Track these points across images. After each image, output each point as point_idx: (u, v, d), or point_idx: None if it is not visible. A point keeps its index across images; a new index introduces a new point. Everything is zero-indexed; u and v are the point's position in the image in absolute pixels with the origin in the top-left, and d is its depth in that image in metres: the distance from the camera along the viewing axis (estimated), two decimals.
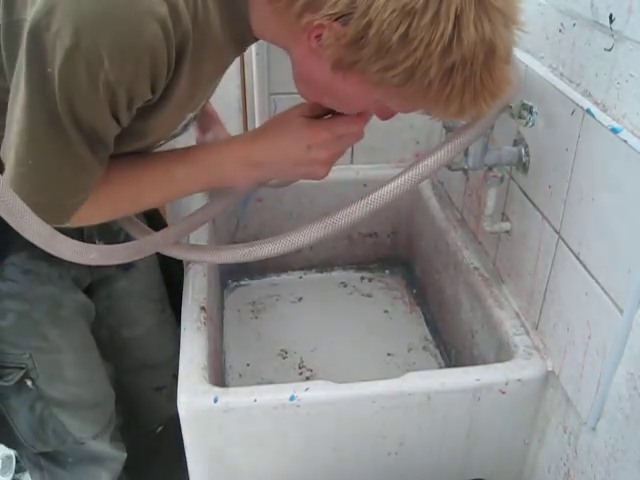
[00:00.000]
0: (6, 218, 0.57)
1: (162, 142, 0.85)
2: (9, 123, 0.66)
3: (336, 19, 0.60)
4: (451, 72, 0.61)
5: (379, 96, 0.69)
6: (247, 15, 0.69)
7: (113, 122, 0.66)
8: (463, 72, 0.62)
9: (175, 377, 1.20)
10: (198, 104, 0.80)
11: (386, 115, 0.76)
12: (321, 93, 0.74)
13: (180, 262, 1.24)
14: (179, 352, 1.22)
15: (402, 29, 0.58)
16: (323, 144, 0.78)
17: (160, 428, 1.24)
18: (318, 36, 0.63)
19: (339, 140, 0.79)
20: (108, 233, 0.99)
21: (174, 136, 0.85)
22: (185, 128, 0.85)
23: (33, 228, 0.60)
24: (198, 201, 1.25)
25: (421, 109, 0.69)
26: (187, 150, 0.83)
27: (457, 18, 0.58)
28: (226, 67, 0.80)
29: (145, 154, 0.81)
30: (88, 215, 0.76)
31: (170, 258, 1.14)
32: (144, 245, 0.86)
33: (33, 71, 0.61)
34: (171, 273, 1.20)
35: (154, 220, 1.10)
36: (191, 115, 0.82)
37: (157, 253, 1.14)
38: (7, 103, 0.66)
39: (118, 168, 0.75)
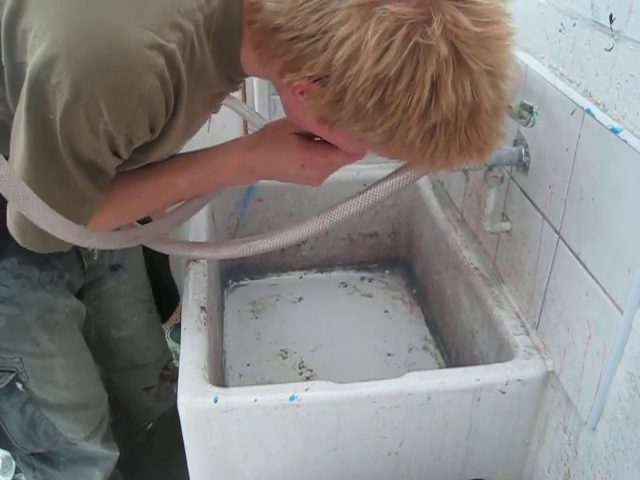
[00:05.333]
0: (13, 201, 0.58)
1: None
2: (11, 161, 0.68)
3: (314, 80, 0.61)
4: (433, 132, 0.60)
5: (366, 149, 0.71)
6: (239, 57, 0.71)
7: (113, 158, 0.68)
8: (446, 131, 0.60)
9: (162, 377, 1.22)
10: (193, 133, 0.83)
11: (382, 155, 0.77)
12: (313, 133, 0.76)
13: (165, 263, 1.24)
14: (165, 352, 1.23)
15: (377, 96, 0.58)
16: (317, 166, 0.81)
17: (150, 425, 1.24)
18: (301, 92, 0.64)
19: (333, 165, 0.82)
20: None
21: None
22: None
23: (38, 212, 0.61)
24: None
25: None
26: (187, 160, 0.85)
27: (434, 84, 0.57)
28: (221, 100, 0.82)
29: (145, 167, 0.82)
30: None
31: (155, 259, 1.14)
32: (142, 232, 0.88)
33: (34, 116, 0.63)
34: (157, 274, 1.20)
35: None
36: (187, 141, 0.84)
37: (144, 253, 1.14)
38: (10, 127, 0.68)
39: (120, 184, 0.77)
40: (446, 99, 0.58)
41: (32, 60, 0.61)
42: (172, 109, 0.67)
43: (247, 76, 0.76)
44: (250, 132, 1.56)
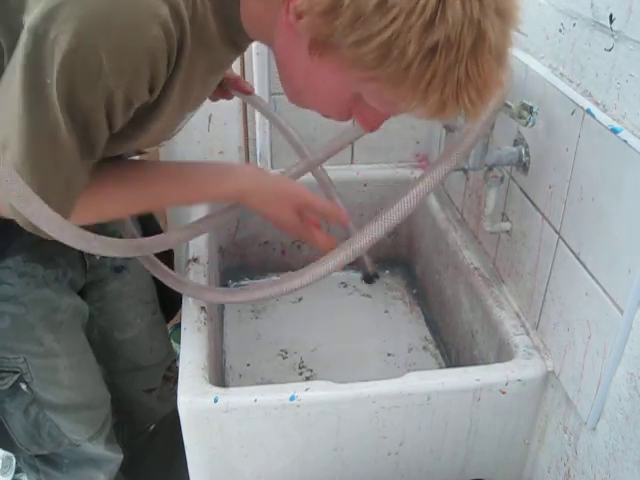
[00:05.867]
0: (14, 203, 0.57)
1: (164, 143, 0.85)
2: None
3: None
4: (433, 55, 0.56)
5: (355, 83, 0.65)
6: (238, 12, 0.69)
7: (105, 124, 0.65)
8: (447, 57, 0.56)
9: (165, 378, 1.21)
10: (196, 104, 0.80)
11: (369, 121, 0.73)
12: (301, 88, 0.72)
13: (170, 264, 1.24)
14: (169, 354, 1.22)
15: None
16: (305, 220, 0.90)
17: (152, 426, 1.24)
18: (295, 8, 0.61)
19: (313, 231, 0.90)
20: (104, 234, 0.99)
21: (178, 131, 0.85)
22: (184, 121, 0.85)
23: (38, 213, 0.60)
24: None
25: (400, 104, 0.63)
26: (184, 178, 0.84)
27: None
28: (222, 68, 0.80)
29: (134, 167, 0.81)
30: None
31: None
32: (145, 242, 0.87)
33: (30, 78, 0.61)
34: None
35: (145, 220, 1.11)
36: (190, 115, 0.82)
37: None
38: None
39: (108, 178, 0.75)
40: (453, 12, 0.54)
41: (31, 16, 0.58)
42: (174, 64, 0.65)
43: (249, 40, 0.74)
44: (251, 129, 1.56)
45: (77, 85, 0.60)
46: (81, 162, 0.68)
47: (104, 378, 1.08)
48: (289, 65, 0.71)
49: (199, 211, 1.30)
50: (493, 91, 0.61)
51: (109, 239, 0.79)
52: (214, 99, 1.08)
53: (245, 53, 1.42)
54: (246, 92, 1.07)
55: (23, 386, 0.93)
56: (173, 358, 1.23)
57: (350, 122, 0.77)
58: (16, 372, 0.91)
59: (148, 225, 1.09)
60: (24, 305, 0.89)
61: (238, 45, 0.75)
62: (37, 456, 1.03)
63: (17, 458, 1.13)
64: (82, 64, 0.59)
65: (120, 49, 0.59)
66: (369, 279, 0.94)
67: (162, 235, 0.90)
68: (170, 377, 1.21)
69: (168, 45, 0.62)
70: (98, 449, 1.03)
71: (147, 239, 0.88)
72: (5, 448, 1.02)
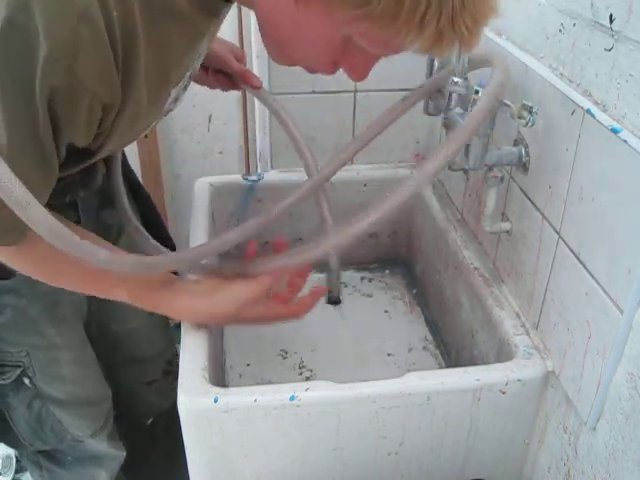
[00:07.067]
0: (12, 207, 0.57)
1: (154, 123, 0.84)
2: None
3: None
4: None
5: (346, 25, 0.63)
6: None
7: (46, 120, 0.60)
8: None
9: (165, 372, 1.21)
10: (181, 78, 0.78)
11: (358, 69, 0.70)
12: (288, 40, 0.69)
13: None
14: (169, 347, 1.22)
15: None
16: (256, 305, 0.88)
17: (150, 421, 1.24)
18: None
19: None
20: (102, 230, 0.99)
21: (169, 111, 0.84)
22: (177, 101, 0.83)
23: (39, 219, 0.60)
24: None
25: (395, 40, 0.61)
26: (145, 283, 0.84)
27: None
28: (202, 37, 0.77)
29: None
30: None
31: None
32: (157, 262, 0.85)
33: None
34: None
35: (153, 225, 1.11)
36: (180, 86, 0.79)
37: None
38: None
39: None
40: None
41: None
42: (129, 47, 0.62)
43: (227, 3, 0.72)
44: (251, 129, 1.56)
45: (13, 64, 0.56)
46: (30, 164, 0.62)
47: (103, 372, 1.08)
48: (274, 19, 0.68)
49: (201, 216, 1.30)
50: (488, 17, 0.61)
51: (117, 255, 0.77)
52: (224, 89, 1.08)
53: (245, 54, 1.42)
54: (254, 86, 1.07)
55: (26, 380, 0.93)
56: (173, 352, 1.23)
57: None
58: (19, 366, 0.92)
59: (149, 215, 1.09)
60: (25, 298, 0.89)
61: (213, 11, 0.72)
62: (40, 452, 1.03)
63: (21, 455, 1.13)
64: (21, 33, 0.55)
65: (51, 17, 0.56)
66: (333, 302, 0.99)
67: (178, 252, 0.90)
68: (170, 371, 1.21)
69: (105, 22, 0.58)
70: (100, 446, 1.04)
71: (162, 256, 0.87)
72: (9, 444, 1.03)
